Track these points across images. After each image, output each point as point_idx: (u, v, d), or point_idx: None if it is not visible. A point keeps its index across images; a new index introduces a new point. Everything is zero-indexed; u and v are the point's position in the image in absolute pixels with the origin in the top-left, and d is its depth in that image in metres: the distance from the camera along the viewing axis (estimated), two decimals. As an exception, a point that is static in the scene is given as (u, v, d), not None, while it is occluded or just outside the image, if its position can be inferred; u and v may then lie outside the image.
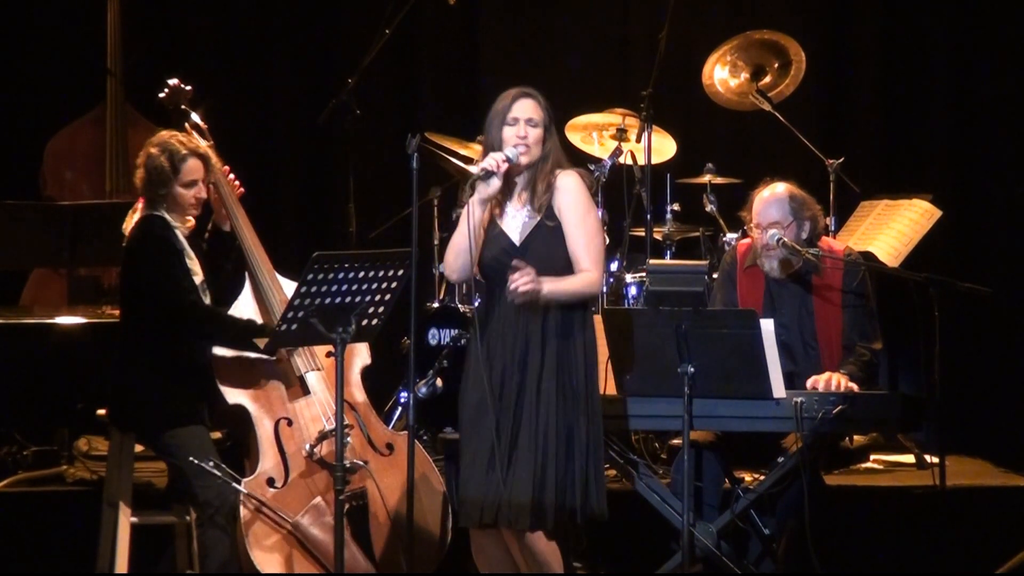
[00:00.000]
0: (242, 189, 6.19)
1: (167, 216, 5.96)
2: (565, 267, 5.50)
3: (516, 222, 5.54)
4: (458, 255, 5.52)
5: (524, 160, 5.49)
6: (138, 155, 6.06)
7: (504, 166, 5.45)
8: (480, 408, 5.47)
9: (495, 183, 5.46)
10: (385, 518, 5.97)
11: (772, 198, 6.20)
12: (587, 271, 5.50)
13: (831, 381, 5.92)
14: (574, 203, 5.51)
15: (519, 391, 5.46)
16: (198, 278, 5.98)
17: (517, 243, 5.52)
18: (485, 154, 5.53)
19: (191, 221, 6.02)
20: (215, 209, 6.12)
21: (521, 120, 5.50)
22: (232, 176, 6.16)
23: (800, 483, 5.84)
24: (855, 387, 5.92)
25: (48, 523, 6.70)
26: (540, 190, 5.50)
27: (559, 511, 5.45)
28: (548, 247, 5.49)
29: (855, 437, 6.42)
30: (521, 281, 5.36)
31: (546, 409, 5.44)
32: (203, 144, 6.09)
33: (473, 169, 5.47)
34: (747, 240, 6.38)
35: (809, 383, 5.93)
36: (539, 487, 5.42)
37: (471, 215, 5.48)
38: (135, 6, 8.31)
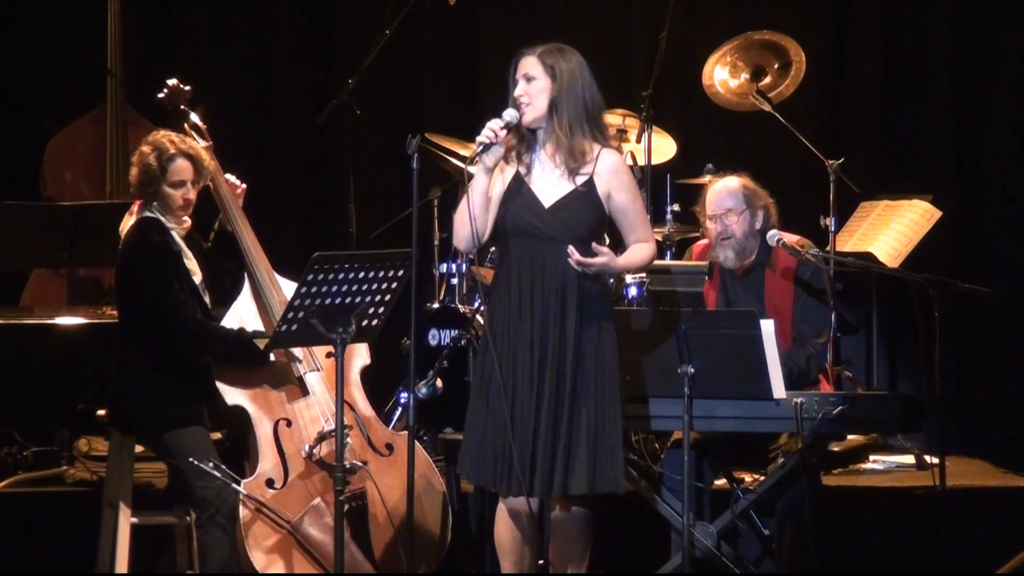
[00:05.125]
0: (244, 185, 6.19)
1: (162, 218, 5.95)
2: (589, 235, 5.49)
3: (546, 183, 5.51)
4: (463, 225, 5.50)
5: (527, 118, 5.47)
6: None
7: (503, 133, 5.43)
8: (506, 376, 5.45)
9: (497, 151, 5.45)
10: (385, 519, 5.97)
11: (725, 189, 6.29)
12: (646, 242, 5.57)
13: None
14: (626, 183, 5.52)
15: (557, 352, 5.44)
16: (197, 278, 5.97)
17: (547, 206, 5.49)
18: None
19: (187, 222, 6.01)
20: (221, 209, 6.12)
21: (520, 79, 5.49)
22: (232, 177, 6.16)
23: (798, 484, 5.85)
24: None
25: (48, 523, 6.70)
26: (576, 157, 5.46)
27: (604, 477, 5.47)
28: (577, 214, 5.48)
29: (849, 438, 6.44)
30: (583, 259, 5.39)
31: (583, 371, 5.45)
32: (200, 144, 6.09)
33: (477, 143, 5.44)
34: (703, 242, 6.44)
35: None
36: (595, 451, 5.42)
37: (475, 185, 5.46)
38: (135, 6, 8.32)
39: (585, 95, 5.48)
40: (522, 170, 5.53)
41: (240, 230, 6.11)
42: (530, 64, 5.48)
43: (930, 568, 6.39)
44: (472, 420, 5.54)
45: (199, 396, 5.93)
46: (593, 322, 5.47)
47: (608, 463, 5.44)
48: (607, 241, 6.34)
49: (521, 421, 5.42)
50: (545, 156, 5.52)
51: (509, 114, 5.46)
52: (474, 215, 5.45)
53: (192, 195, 5.96)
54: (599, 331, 5.48)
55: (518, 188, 5.52)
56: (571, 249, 5.40)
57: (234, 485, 5.78)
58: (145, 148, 5.96)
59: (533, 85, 5.46)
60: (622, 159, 5.58)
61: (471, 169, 5.49)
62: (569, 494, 5.46)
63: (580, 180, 5.48)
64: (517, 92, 5.47)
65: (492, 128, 5.42)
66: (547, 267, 5.46)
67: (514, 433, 5.40)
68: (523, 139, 5.53)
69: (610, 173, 5.49)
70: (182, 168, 5.93)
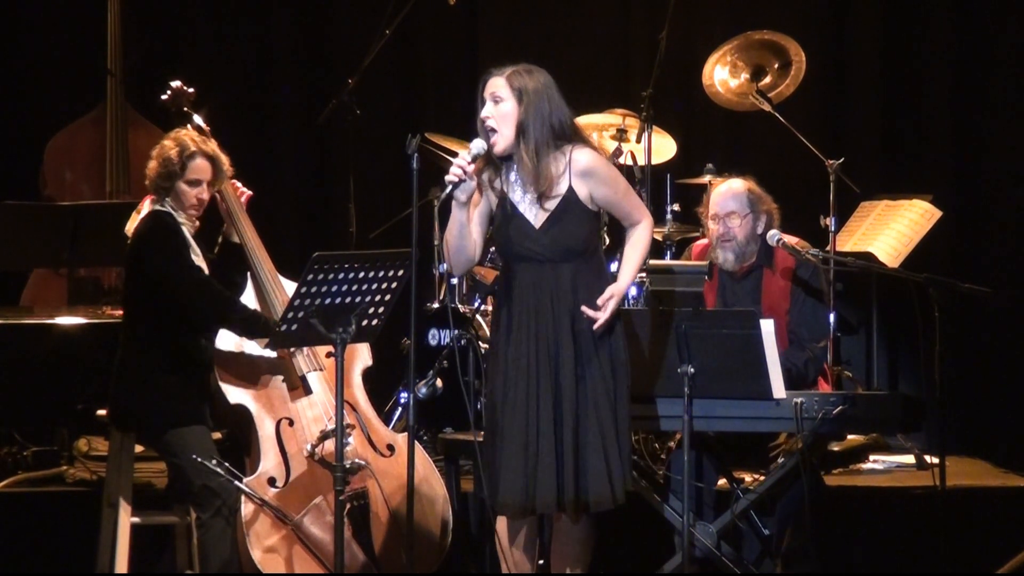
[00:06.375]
0: (249, 192, 6.20)
1: (174, 212, 5.96)
2: (582, 245, 5.47)
3: (532, 204, 5.47)
4: (451, 254, 5.52)
5: (498, 148, 5.44)
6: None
7: (471, 167, 5.40)
8: (515, 392, 5.43)
9: (468, 186, 5.42)
10: (386, 518, 5.98)
11: (730, 191, 6.30)
12: (641, 221, 5.54)
13: None
14: (603, 176, 5.48)
15: (561, 370, 5.41)
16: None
17: (537, 226, 5.46)
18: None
19: (196, 223, 6.02)
20: (225, 220, 6.12)
21: (488, 98, 5.45)
22: (238, 183, 6.17)
23: (799, 484, 5.85)
24: None
25: (48, 523, 6.70)
26: (542, 182, 5.40)
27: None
28: (568, 228, 5.45)
29: (849, 438, 6.44)
30: (603, 319, 5.37)
31: (596, 384, 5.43)
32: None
33: (448, 178, 5.42)
34: (702, 241, 6.44)
35: None
36: (608, 465, 5.41)
37: (452, 221, 5.46)
38: (135, 6, 8.32)
39: (552, 117, 5.43)
40: (508, 193, 5.50)
41: (243, 230, 6.11)
42: (498, 85, 5.43)
43: (930, 568, 6.39)
44: (484, 436, 5.55)
45: (201, 395, 5.94)
46: (603, 339, 5.45)
47: (618, 479, 5.44)
48: (606, 242, 6.35)
49: (530, 438, 5.40)
50: (523, 175, 5.47)
51: (476, 146, 5.42)
52: (451, 249, 5.48)
53: (205, 195, 5.97)
54: (609, 346, 5.46)
55: (510, 212, 5.50)
56: (585, 311, 5.38)
57: (236, 483, 5.78)
58: (167, 143, 5.97)
59: (500, 108, 5.41)
60: (593, 153, 5.49)
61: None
62: (576, 511, 5.46)
63: (561, 192, 5.45)
64: (484, 113, 5.43)
65: (460, 165, 5.38)
66: (546, 286, 5.44)
67: (520, 450, 5.40)
68: (492, 164, 5.50)
69: (584, 174, 5.45)
70: (201, 167, 5.95)
